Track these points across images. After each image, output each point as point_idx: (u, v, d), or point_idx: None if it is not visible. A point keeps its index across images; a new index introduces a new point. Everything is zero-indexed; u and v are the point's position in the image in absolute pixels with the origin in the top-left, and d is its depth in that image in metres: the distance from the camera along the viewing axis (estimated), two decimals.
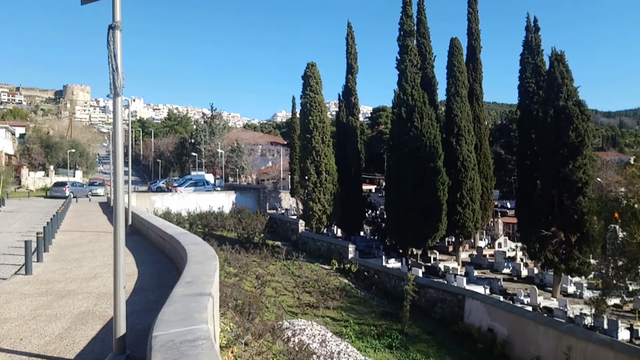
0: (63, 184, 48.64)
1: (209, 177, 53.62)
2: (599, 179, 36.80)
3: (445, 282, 25.15)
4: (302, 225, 31.74)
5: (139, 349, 5.63)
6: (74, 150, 69.48)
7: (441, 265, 31.46)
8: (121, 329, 5.30)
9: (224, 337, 10.62)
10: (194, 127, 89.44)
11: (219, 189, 46.66)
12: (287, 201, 54.71)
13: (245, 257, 22.97)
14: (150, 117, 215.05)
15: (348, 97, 36.46)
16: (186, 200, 37.99)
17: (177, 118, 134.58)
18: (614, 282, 14.59)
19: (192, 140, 73.82)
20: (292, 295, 19.50)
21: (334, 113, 42.75)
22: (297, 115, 43.98)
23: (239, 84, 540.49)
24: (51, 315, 7.88)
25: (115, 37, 5.42)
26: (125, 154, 73.67)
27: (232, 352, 9.58)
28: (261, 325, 12.87)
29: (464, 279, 26.26)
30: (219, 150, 66.50)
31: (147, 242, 16.76)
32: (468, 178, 32.09)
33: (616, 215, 15.24)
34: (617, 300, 23.39)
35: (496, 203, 47.40)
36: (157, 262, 12.77)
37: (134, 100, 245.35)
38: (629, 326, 20.42)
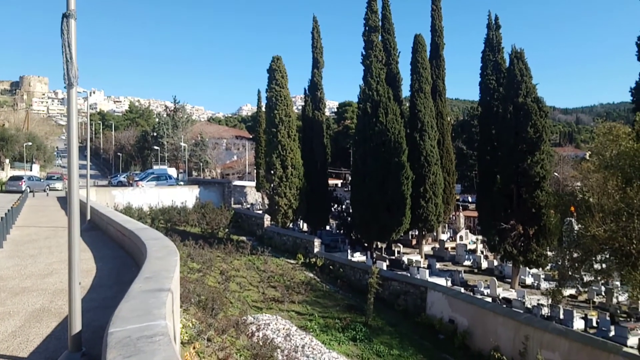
0: (19, 178, 46.72)
1: (172, 172, 52.62)
2: (556, 174, 38.12)
3: (409, 274, 25.56)
4: (267, 220, 31.60)
5: (96, 346, 5.49)
6: (30, 144, 66.86)
7: (405, 259, 31.94)
8: (76, 326, 5.14)
9: (186, 333, 10.46)
10: (157, 120, 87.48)
11: (182, 183, 45.86)
12: (253, 196, 54.33)
13: (209, 253, 22.69)
14: (111, 110, 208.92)
15: (314, 92, 36.43)
16: (148, 195, 37.19)
17: (138, 111, 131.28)
18: (570, 273, 15.08)
19: (155, 134, 72.21)
20: (257, 290, 19.41)
21: (300, 107, 42.58)
22: (263, 109, 43.65)
23: (203, 77, 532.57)
24: (4, 312, 7.58)
25: (69, 26, 5.22)
26: (84, 148, 71.48)
27: (194, 348, 9.45)
28: (225, 320, 12.77)
29: (427, 271, 26.73)
30: (182, 144, 65.34)
31: (107, 238, 16.32)
32: (431, 173, 32.64)
33: (572, 208, 15.77)
34: (572, 291, 24.33)
35: (458, 197, 48.45)
36: (117, 257, 12.45)
37: (93, 92, 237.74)
38: (583, 316, 21.29)
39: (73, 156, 5.27)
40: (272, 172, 31.25)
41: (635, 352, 14.10)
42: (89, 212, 20.92)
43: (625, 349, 12.90)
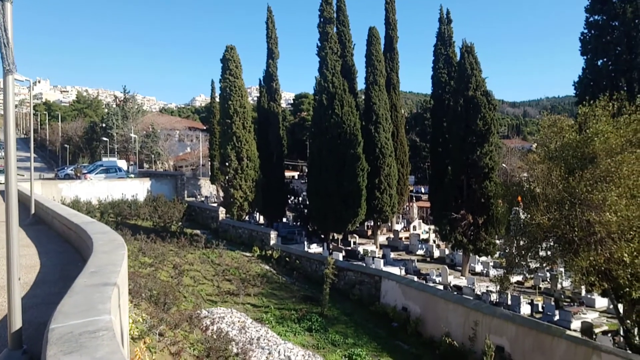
0: None
1: (122, 164, 50.96)
2: (504, 165, 39.50)
3: (364, 264, 25.90)
4: (222, 213, 31.18)
5: (38, 344, 5.24)
6: None
7: (360, 249, 32.35)
8: (17, 322, 4.89)
9: (137, 328, 10.21)
10: (106, 110, 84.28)
11: (132, 175, 44.49)
12: (207, 188, 53.43)
13: (162, 247, 22.24)
14: (57, 100, 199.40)
15: (269, 83, 36.11)
16: (97, 188, 35.87)
17: (86, 101, 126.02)
18: (517, 260, 15.65)
19: (103, 125, 69.59)
20: (212, 284, 19.17)
21: (255, 98, 42.11)
22: (217, 100, 42.88)
23: (155, 67, 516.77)
24: None
25: (5, 9, 4.90)
26: (29, 139, 68.03)
27: (144, 343, 9.25)
28: (178, 315, 12.56)
29: (382, 261, 27.21)
30: (133, 135, 63.35)
31: (52, 233, 15.63)
32: (386, 164, 33.12)
33: (519, 198, 16.31)
34: (519, 278, 25.35)
35: (411, 188, 49.43)
36: (62, 252, 11.95)
37: (38, 82, 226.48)
38: (530, 301, 22.25)
39: (10, 147, 4.99)
40: (227, 164, 30.79)
41: (578, 334, 14.87)
42: (33, 205, 19.96)
43: (568, 332, 13.57)
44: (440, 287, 23.25)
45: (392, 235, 37.97)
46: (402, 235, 38.32)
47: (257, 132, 34.88)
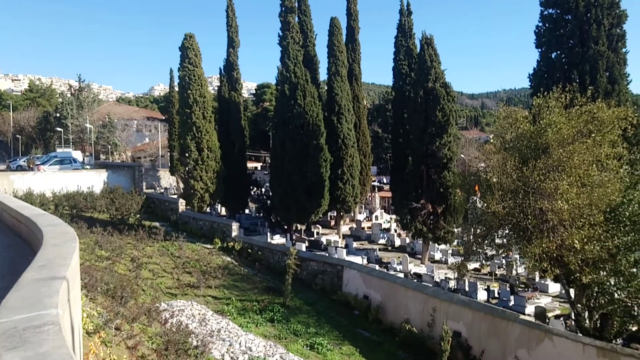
0: None
1: (77, 155, 49.23)
2: (462, 156, 40.38)
3: (327, 254, 26.05)
4: (182, 205, 30.63)
5: None
6: None
7: (323, 239, 32.49)
8: None
9: (92, 322, 9.98)
10: (60, 100, 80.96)
11: (88, 167, 43.03)
12: (167, 180, 52.34)
13: (119, 240, 21.72)
14: (8, 89, 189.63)
15: (230, 72, 35.54)
16: (51, 180, 34.53)
17: (39, 90, 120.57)
18: (474, 248, 16.09)
19: (58, 115, 66.87)
20: (171, 277, 18.89)
21: (216, 88, 41.39)
22: (176, 89, 41.89)
23: (111, 55, 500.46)
24: None
25: None
26: None
27: (99, 338, 9.04)
28: (135, 308, 12.34)
29: (344, 251, 27.41)
30: (88, 126, 61.22)
31: (2, 225, 14.95)
32: (348, 155, 33.28)
33: (476, 188, 16.72)
34: (476, 265, 26.11)
35: (374, 179, 49.91)
36: (11, 246, 11.44)
37: None
38: (486, 287, 22.93)
39: None
40: (186, 154, 30.20)
41: (532, 319, 15.46)
42: None
43: (522, 316, 14.08)
44: (401, 275, 23.64)
45: (354, 225, 38.30)
46: (365, 225, 38.70)
47: (218, 122, 34.33)
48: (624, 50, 22.10)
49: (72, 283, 5.50)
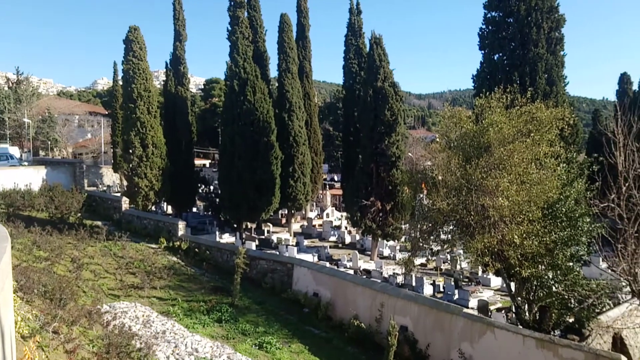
0: None
1: (14, 151, 46.43)
2: (410, 154, 41.25)
3: (278, 253, 25.91)
4: (126, 203, 29.53)
5: None
6: None
7: (274, 237, 32.32)
8: None
9: (27, 326, 9.47)
10: None
11: (26, 163, 40.75)
12: (110, 177, 50.46)
13: (59, 239, 20.69)
14: None
15: (177, 66, 34.58)
16: None
17: None
18: (420, 244, 16.45)
19: None
20: (114, 278, 18.19)
21: (162, 83, 40.20)
22: (120, 83, 40.36)
23: (52, 47, 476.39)
24: None
25: None
26: None
27: (35, 342, 8.58)
28: (75, 310, 11.80)
29: (295, 248, 27.37)
30: (27, 120, 57.94)
31: None
32: (299, 153, 33.22)
33: (423, 185, 17.10)
34: (423, 260, 26.69)
35: (325, 176, 50.21)
36: None
37: None
38: (432, 282, 23.53)
39: None
40: (130, 151, 29.13)
41: (475, 312, 15.96)
42: None
43: (465, 310, 14.48)
44: (351, 271, 23.87)
45: (306, 223, 38.33)
46: (316, 222, 38.83)
47: (164, 118, 33.34)
48: (562, 53, 23.25)
49: (3, 285, 5.13)
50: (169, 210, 38.18)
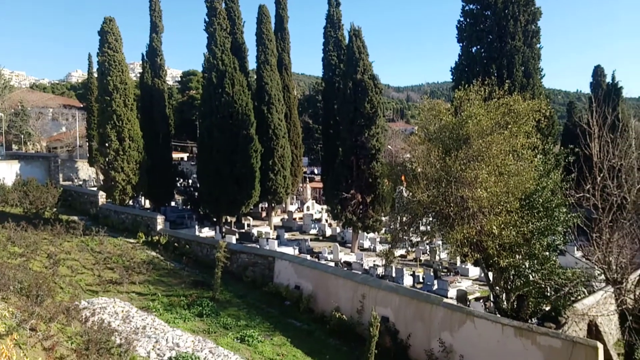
0: None
1: None
2: (389, 147, 41.55)
3: (258, 246, 25.84)
4: (102, 197, 29.01)
5: None
6: None
7: (255, 231, 32.22)
8: None
9: (4, 324, 9.31)
10: None
11: None
12: (86, 171, 49.53)
13: (34, 235, 20.24)
14: None
15: (153, 58, 33.99)
16: None
17: None
18: (400, 235, 16.58)
19: None
20: (92, 273, 17.90)
21: (138, 75, 39.46)
22: (95, 76, 39.50)
23: (25, 38, 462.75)
24: None
25: None
26: None
27: (12, 340, 8.43)
28: (53, 307, 11.60)
29: (276, 242, 27.35)
30: None
31: None
32: (279, 146, 33.07)
33: (402, 177, 17.20)
34: (403, 251, 27.00)
35: (305, 169, 50.17)
36: None
37: None
38: (412, 273, 23.79)
39: None
40: (106, 144, 28.60)
41: (454, 302, 16.17)
42: None
43: (445, 300, 14.67)
44: (332, 264, 23.97)
45: (286, 216, 38.29)
46: (296, 215, 38.83)
47: (141, 111, 32.78)
48: (538, 45, 23.57)
49: None
50: (147, 204, 37.70)
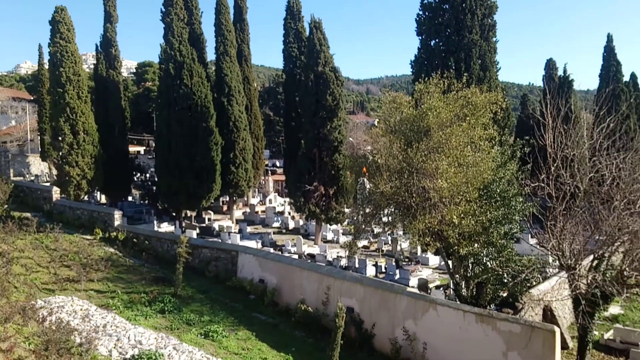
0: None
1: None
2: (351, 139, 41.78)
3: (220, 241, 25.55)
4: (56, 193, 27.94)
5: None
6: None
7: (216, 225, 31.82)
8: None
9: None
10: None
11: None
12: (38, 166, 47.58)
13: None
14: None
15: (108, 49, 32.82)
16: None
17: None
18: (363, 227, 16.77)
19: None
20: (48, 271, 17.29)
21: (92, 66, 38.00)
22: (46, 67, 37.84)
23: None
24: None
25: None
26: None
27: None
28: (8, 307, 11.21)
29: (238, 236, 27.10)
30: None
31: None
32: (240, 138, 32.67)
33: (364, 169, 17.36)
34: (365, 242, 27.34)
35: (267, 162, 49.85)
36: None
37: None
38: (374, 263, 24.10)
39: None
40: (60, 138, 27.50)
41: (416, 290, 16.50)
42: None
43: (408, 289, 14.98)
44: (295, 256, 23.98)
45: (248, 210, 38.00)
46: (259, 209, 38.59)
47: (95, 103, 31.67)
48: (494, 39, 24.21)
49: None
50: (103, 199, 36.62)
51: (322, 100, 26.14)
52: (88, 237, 22.97)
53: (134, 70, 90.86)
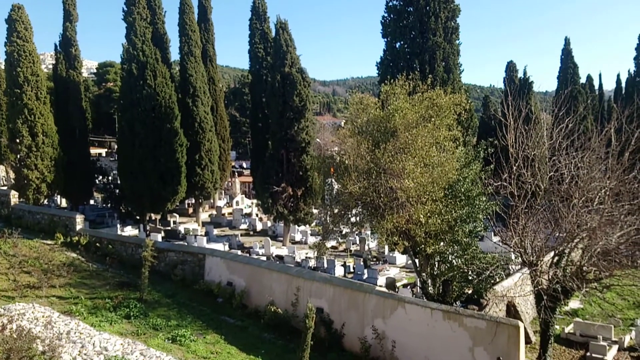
0: None
1: None
2: (318, 140, 41.84)
3: (186, 244, 25.18)
4: (14, 197, 26.87)
5: None
6: None
7: (181, 228, 31.37)
8: None
9: None
10: None
11: None
12: None
13: None
14: None
15: (67, 49, 31.87)
16: None
17: None
18: (331, 227, 16.84)
19: None
20: (7, 278, 16.66)
21: (51, 66, 36.82)
22: (2, 67, 36.43)
23: None
24: None
25: None
26: None
27: None
28: None
29: (205, 238, 26.79)
30: None
31: None
32: (206, 140, 32.31)
33: (332, 170, 17.45)
34: (334, 243, 27.47)
35: (233, 164, 49.44)
36: None
37: None
38: (343, 263, 24.26)
39: None
40: (17, 140, 26.54)
41: (384, 289, 16.71)
42: None
43: (376, 288, 15.14)
44: (264, 258, 23.88)
45: (215, 212, 37.59)
46: (225, 211, 38.24)
47: (55, 105, 30.69)
48: (457, 42, 24.75)
49: None
50: (64, 203, 35.58)
51: (289, 101, 26.15)
52: (49, 242, 22.22)
53: (95, 71, 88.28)
